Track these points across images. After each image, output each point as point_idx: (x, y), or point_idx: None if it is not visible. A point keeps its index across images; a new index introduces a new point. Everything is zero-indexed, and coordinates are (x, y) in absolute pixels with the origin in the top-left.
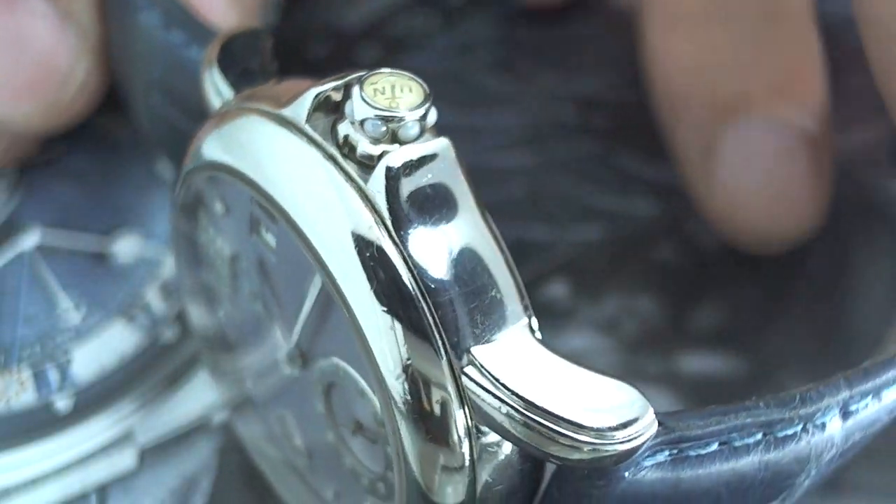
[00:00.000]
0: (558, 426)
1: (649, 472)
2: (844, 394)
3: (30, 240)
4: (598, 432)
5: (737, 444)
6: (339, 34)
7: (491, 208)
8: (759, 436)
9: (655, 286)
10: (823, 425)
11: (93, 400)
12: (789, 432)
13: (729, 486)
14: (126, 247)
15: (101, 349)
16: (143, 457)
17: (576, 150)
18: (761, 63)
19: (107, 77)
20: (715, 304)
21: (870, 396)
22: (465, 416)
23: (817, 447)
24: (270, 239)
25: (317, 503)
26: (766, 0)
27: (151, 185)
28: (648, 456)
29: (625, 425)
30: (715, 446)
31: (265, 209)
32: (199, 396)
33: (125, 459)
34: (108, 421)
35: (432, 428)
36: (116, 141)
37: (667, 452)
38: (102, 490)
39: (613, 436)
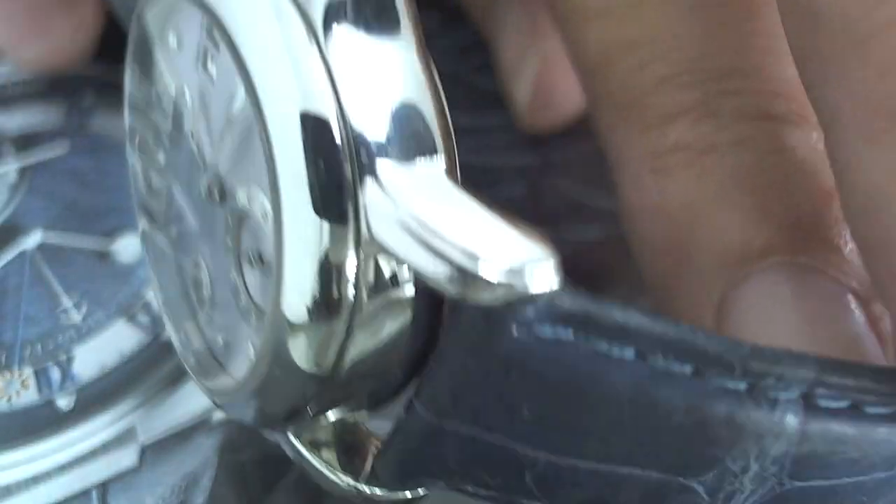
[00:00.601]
0: (467, 258)
1: (546, 344)
2: (811, 375)
3: (31, 240)
4: (512, 271)
5: (658, 364)
6: None
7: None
8: (686, 366)
9: None
10: (774, 401)
11: (94, 398)
12: (727, 384)
13: (635, 404)
14: (127, 246)
15: (102, 348)
16: (144, 454)
17: (575, 150)
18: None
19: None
20: None
21: (847, 402)
22: (357, 249)
23: (759, 424)
24: (213, 69)
25: (206, 354)
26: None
27: None
28: (548, 323)
29: (536, 264)
30: (632, 354)
31: (212, 38)
32: (200, 395)
33: (126, 457)
34: (109, 419)
35: (325, 260)
36: (116, 141)
37: (570, 331)
38: (103, 487)
39: (525, 272)
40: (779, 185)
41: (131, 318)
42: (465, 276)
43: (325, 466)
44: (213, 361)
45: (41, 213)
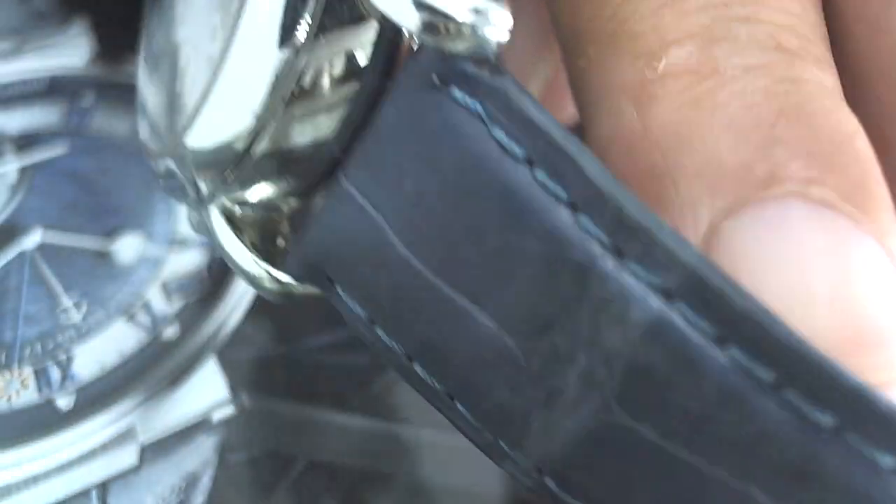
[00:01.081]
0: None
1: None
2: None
3: (31, 239)
4: (478, 13)
5: (540, 176)
6: None
7: None
8: (561, 192)
9: None
10: (636, 273)
11: (94, 398)
12: (593, 232)
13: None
14: (127, 246)
15: (101, 347)
16: (144, 454)
17: None
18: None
19: None
20: None
21: (715, 332)
22: None
23: (610, 284)
24: None
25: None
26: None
27: (152, 185)
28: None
29: (497, 9)
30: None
31: None
32: (200, 394)
33: (126, 456)
34: (109, 418)
35: None
36: (116, 141)
37: (480, 107)
38: (103, 487)
39: (488, 14)
40: (792, 113)
41: (131, 318)
42: (436, 18)
43: (240, 247)
44: (171, 110)
45: (41, 213)
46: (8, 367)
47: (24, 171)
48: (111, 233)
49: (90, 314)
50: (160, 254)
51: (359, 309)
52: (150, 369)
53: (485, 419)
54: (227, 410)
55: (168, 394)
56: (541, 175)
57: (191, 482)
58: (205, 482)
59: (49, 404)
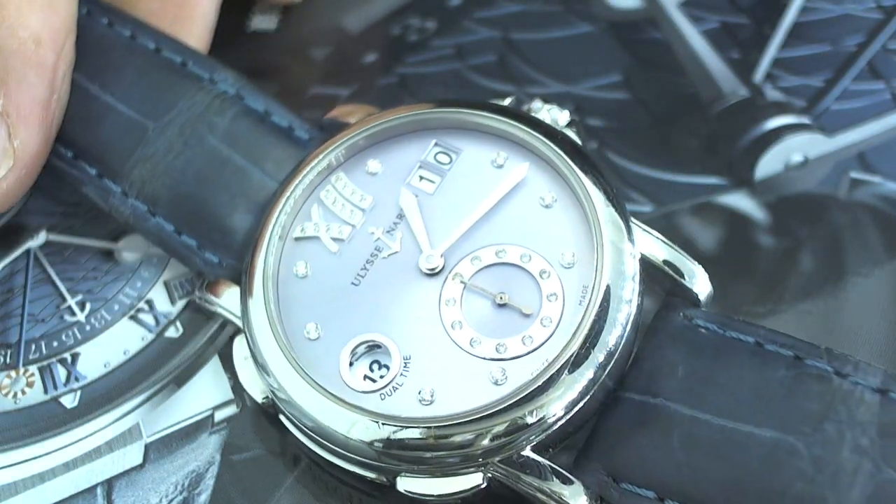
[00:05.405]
0: None
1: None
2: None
3: (36, 240)
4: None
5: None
6: (339, 35)
7: None
8: (789, 351)
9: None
10: (855, 382)
11: (99, 396)
12: (818, 364)
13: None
14: (130, 246)
15: (106, 346)
16: (149, 452)
17: None
18: None
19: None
20: (711, 302)
21: None
22: None
23: (843, 389)
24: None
25: None
26: None
27: None
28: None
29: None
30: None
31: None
32: (203, 393)
33: (131, 454)
34: (113, 416)
35: None
36: None
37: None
38: (109, 484)
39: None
40: None
41: (135, 317)
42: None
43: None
44: None
45: (46, 213)
46: (14, 366)
47: None
48: (115, 232)
49: (94, 313)
50: (162, 254)
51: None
52: (155, 368)
53: None
54: (230, 409)
55: (172, 392)
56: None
57: (194, 480)
58: (208, 480)
59: (54, 402)
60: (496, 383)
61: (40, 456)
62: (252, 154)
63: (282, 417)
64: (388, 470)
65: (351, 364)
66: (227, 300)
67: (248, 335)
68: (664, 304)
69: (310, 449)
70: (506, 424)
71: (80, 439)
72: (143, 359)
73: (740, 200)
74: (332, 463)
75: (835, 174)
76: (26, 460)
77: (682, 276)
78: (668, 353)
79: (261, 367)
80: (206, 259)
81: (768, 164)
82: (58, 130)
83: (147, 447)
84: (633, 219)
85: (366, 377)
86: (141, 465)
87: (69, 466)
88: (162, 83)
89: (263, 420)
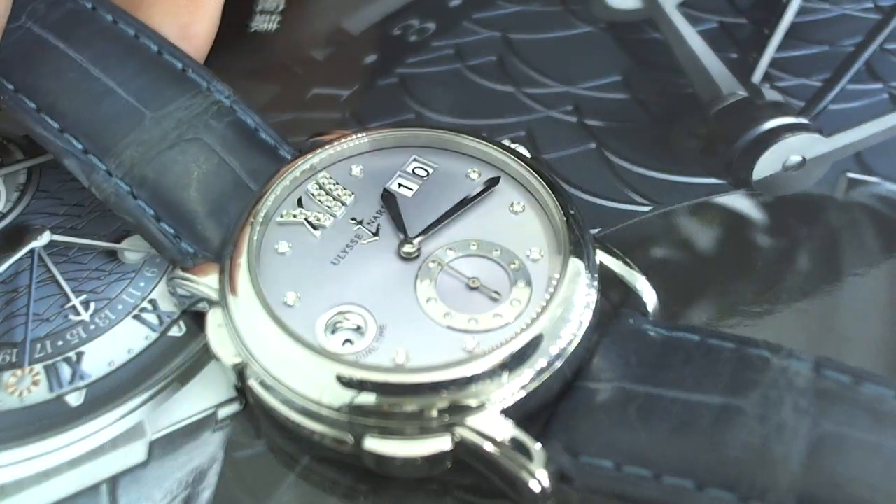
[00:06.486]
0: None
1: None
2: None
3: (40, 240)
4: None
5: (713, 341)
6: (339, 36)
7: None
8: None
9: (652, 283)
10: (790, 357)
11: (103, 394)
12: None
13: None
14: (134, 245)
15: (110, 345)
16: (153, 449)
17: (573, 149)
18: None
19: None
20: (709, 301)
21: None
22: None
23: (781, 364)
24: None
25: None
26: None
27: None
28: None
29: None
30: (697, 336)
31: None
32: (206, 391)
33: (135, 452)
34: (118, 414)
35: None
36: None
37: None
38: (113, 482)
39: None
40: None
41: (139, 317)
42: None
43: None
44: None
45: (49, 213)
46: (19, 364)
47: (31, 171)
48: (118, 232)
49: (98, 312)
50: None
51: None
52: (158, 366)
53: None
54: (233, 407)
55: (176, 390)
56: (714, 339)
57: (198, 477)
58: (211, 477)
59: (59, 401)
60: (468, 352)
61: (45, 453)
62: (242, 160)
63: (251, 382)
64: (355, 429)
65: (328, 330)
66: (210, 280)
67: (227, 305)
68: (615, 313)
69: (277, 411)
70: (473, 388)
71: (85, 437)
72: (147, 357)
73: (738, 200)
74: (299, 424)
75: (832, 174)
76: (31, 458)
77: (631, 287)
78: (621, 350)
79: (237, 331)
80: (182, 248)
81: (766, 165)
82: None
83: (151, 444)
84: (590, 230)
85: (346, 341)
86: (145, 463)
87: (74, 464)
88: (162, 80)
89: (265, 419)
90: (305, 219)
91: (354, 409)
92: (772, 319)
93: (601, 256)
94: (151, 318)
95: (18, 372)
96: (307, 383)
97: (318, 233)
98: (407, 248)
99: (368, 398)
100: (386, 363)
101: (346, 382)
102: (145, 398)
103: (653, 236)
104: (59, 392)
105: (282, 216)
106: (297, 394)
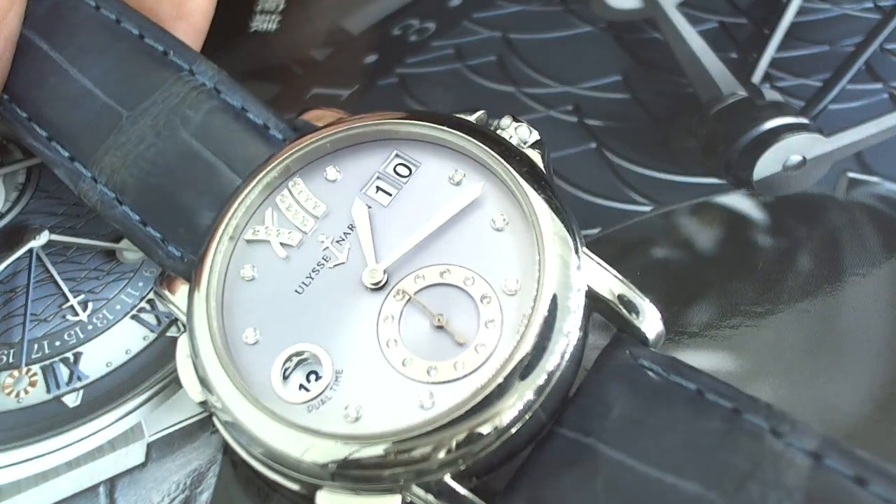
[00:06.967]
0: None
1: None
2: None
3: (38, 240)
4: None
5: (711, 398)
6: (339, 36)
7: None
8: (729, 403)
9: (653, 283)
10: (790, 443)
11: (101, 395)
12: (755, 420)
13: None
14: (132, 247)
15: (108, 346)
16: (151, 451)
17: (573, 149)
18: None
19: None
20: (710, 301)
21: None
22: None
23: (776, 450)
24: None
25: None
26: None
27: None
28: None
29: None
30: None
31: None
32: None
33: (133, 453)
34: (115, 416)
35: None
36: None
37: (660, 368)
38: (111, 483)
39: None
40: None
41: (137, 317)
42: None
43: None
44: None
45: (48, 213)
46: (17, 365)
47: (30, 171)
48: (116, 233)
49: (96, 313)
50: None
51: None
52: (157, 367)
53: None
54: None
55: (174, 391)
56: (711, 396)
57: (196, 478)
58: (209, 478)
59: (57, 402)
60: (422, 406)
61: (43, 455)
62: (223, 151)
63: (214, 419)
64: (309, 483)
65: (284, 373)
66: (180, 298)
67: (189, 334)
68: (613, 340)
69: (238, 453)
70: (427, 448)
71: (83, 438)
72: (145, 358)
73: (739, 200)
74: (257, 471)
75: (833, 174)
76: (29, 459)
77: (633, 313)
78: (607, 392)
79: (197, 368)
80: (169, 252)
81: (767, 164)
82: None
83: (149, 446)
84: (587, 251)
85: (301, 386)
86: (143, 464)
87: (72, 465)
88: (140, 70)
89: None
90: (274, 237)
91: (305, 466)
92: (773, 319)
93: (600, 277)
94: (150, 318)
95: (16, 373)
96: (263, 432)
97: (285, 254)
98: (373, 279)
99: (318, 456)
100: (337, 419)
101: (297, 440)
102: (143, 399)
103: (653, 236)
104: (57, 393)
105: (251, 235)
106: (255, 440)
